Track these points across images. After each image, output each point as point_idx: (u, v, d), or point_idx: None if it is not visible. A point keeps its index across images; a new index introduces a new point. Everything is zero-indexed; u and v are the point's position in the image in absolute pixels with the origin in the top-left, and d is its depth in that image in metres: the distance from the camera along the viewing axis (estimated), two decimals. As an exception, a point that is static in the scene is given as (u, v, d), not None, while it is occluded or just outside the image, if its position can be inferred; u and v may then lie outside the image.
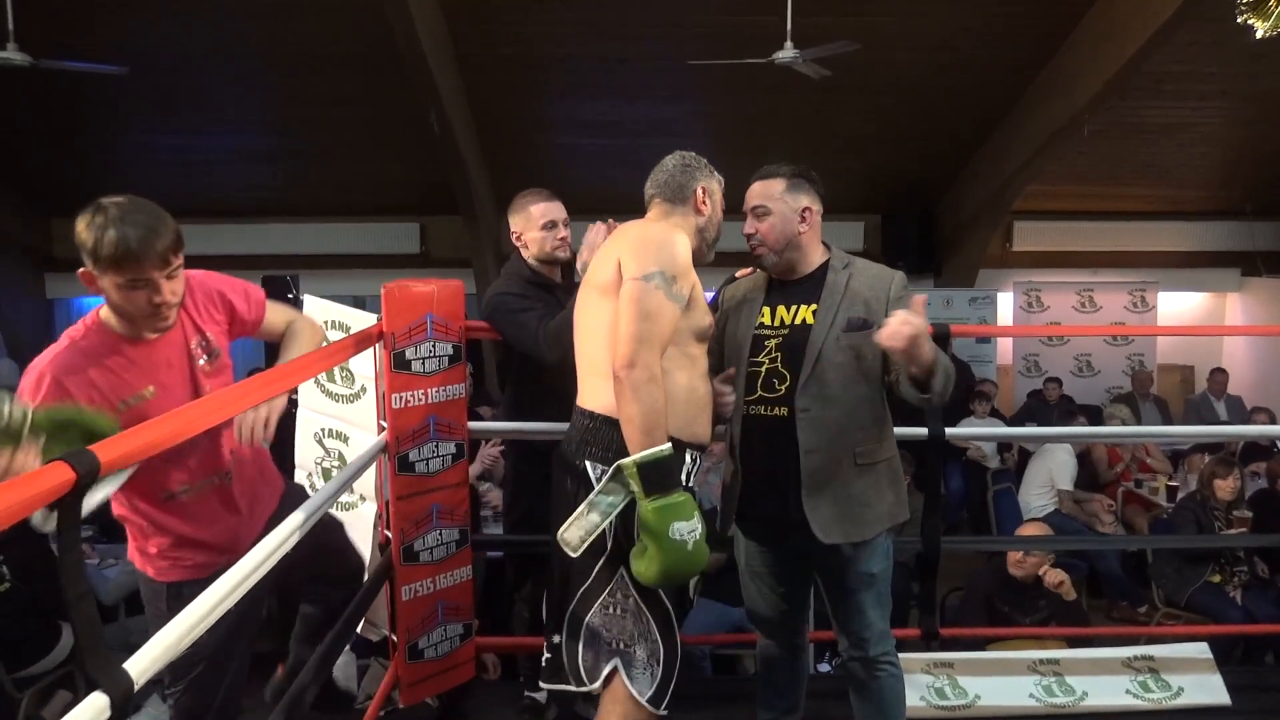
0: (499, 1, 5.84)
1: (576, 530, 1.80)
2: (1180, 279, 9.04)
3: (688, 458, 1.89)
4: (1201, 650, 2.93)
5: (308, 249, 8.40)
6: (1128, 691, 2.81)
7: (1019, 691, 2.79)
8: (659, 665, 1.86)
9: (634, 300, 1.79)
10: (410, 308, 2.40)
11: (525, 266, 2.69)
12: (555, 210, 2.67)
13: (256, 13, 5.88)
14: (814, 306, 2.08)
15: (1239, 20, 4.45)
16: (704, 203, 2.02)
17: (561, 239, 2.67)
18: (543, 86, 6.80)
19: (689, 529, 1.72)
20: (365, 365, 2.52)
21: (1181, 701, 2.80)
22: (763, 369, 2.09)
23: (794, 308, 2.11)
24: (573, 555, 1.81)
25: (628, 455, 1.75)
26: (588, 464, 1.86)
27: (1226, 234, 8.89)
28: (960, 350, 8.07)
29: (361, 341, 2.29)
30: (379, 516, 2.58)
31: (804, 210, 2.10)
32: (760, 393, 2.08)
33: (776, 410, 2.06)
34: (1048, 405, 7.49)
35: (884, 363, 2.06)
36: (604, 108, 7.05)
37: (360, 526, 2.59)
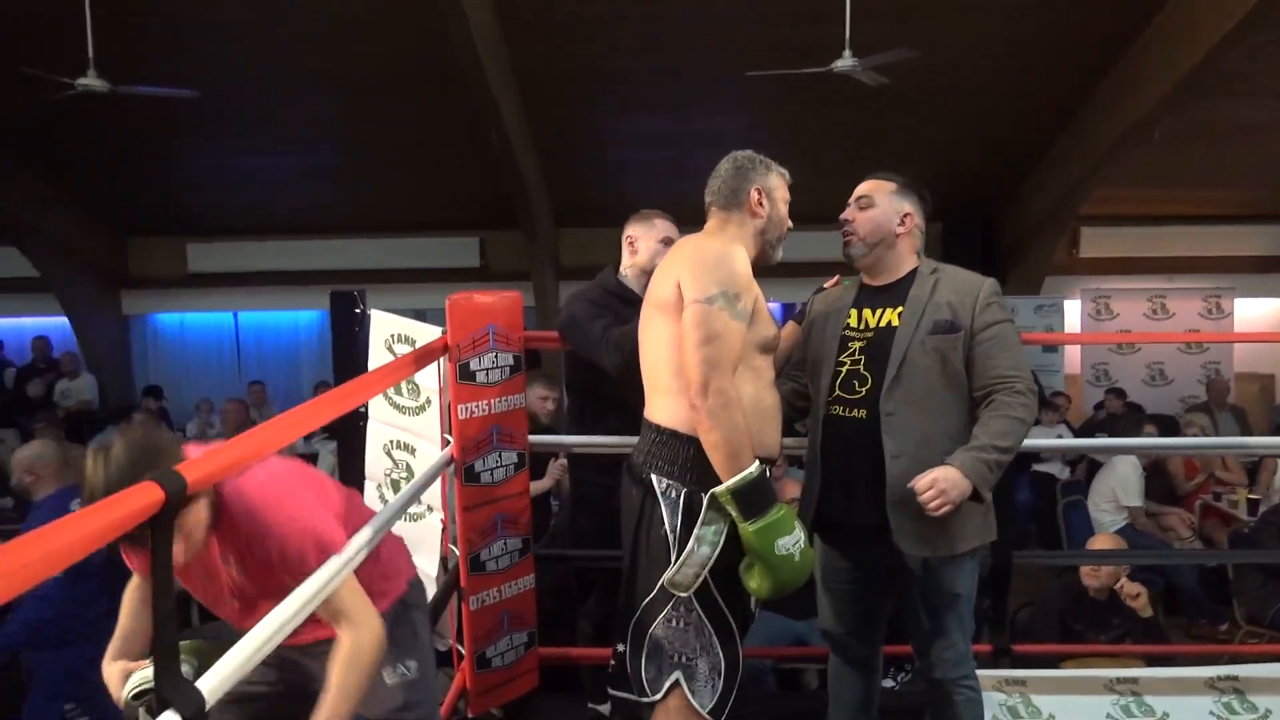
0: (557, 19, 5.91)
1: (688, 569, 1.81)
2: (1257, 284, 8.74)
3: (766, 471, 1.87)
4: (1291, 670, 2.81)
5: (372, 264, 8.61)
6: (1211, 713, 2.70)
7: (1096, 711, 2.70)
8: (720, 678, 1.86)
9: (699, 324, 1.78)
10: (474, 319, 2.43)
11: (613, 278, 2.70)
12: (673, 229, 2.70)
13: (320, 36, 6.05)
14: (900, 309, 2.06)
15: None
16: (760, 204, 1.98)
17: None
18: (600, 101, 6.86)
19: (793, 542, 1.76)
20: (430, 378, 2.56)
21: (1270, 724, 2.69)
22: (844, 369, 2.07)
23: (879, 311, 2.09)
24: (683, 595, 1.82)
25: (700, 471, 1.79)
26: (653, 477, 1.87)
27: (1306, 238, 8.58)
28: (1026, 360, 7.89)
29: (428, 354, 2.32)
30: (444, 527, 2.61)
31: (905, 215, 2.10)
32: (839, 393, 2.06)
33: (855, 412, 2.03)
34: (1114, 416, 7.29)
35: (969, 373, 2.01)
36: (661, 121, 7.08)
37: (428, 537, 2.63)
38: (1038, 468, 6.32)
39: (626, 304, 2.66)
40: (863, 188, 2.15)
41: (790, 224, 2.07)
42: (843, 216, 2.14)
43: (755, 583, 1.79)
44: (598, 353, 2.50)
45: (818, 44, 5.22)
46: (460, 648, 2.56)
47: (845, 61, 5.12)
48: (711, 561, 1.80)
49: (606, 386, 2.53)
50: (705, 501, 1.80)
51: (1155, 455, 5.78)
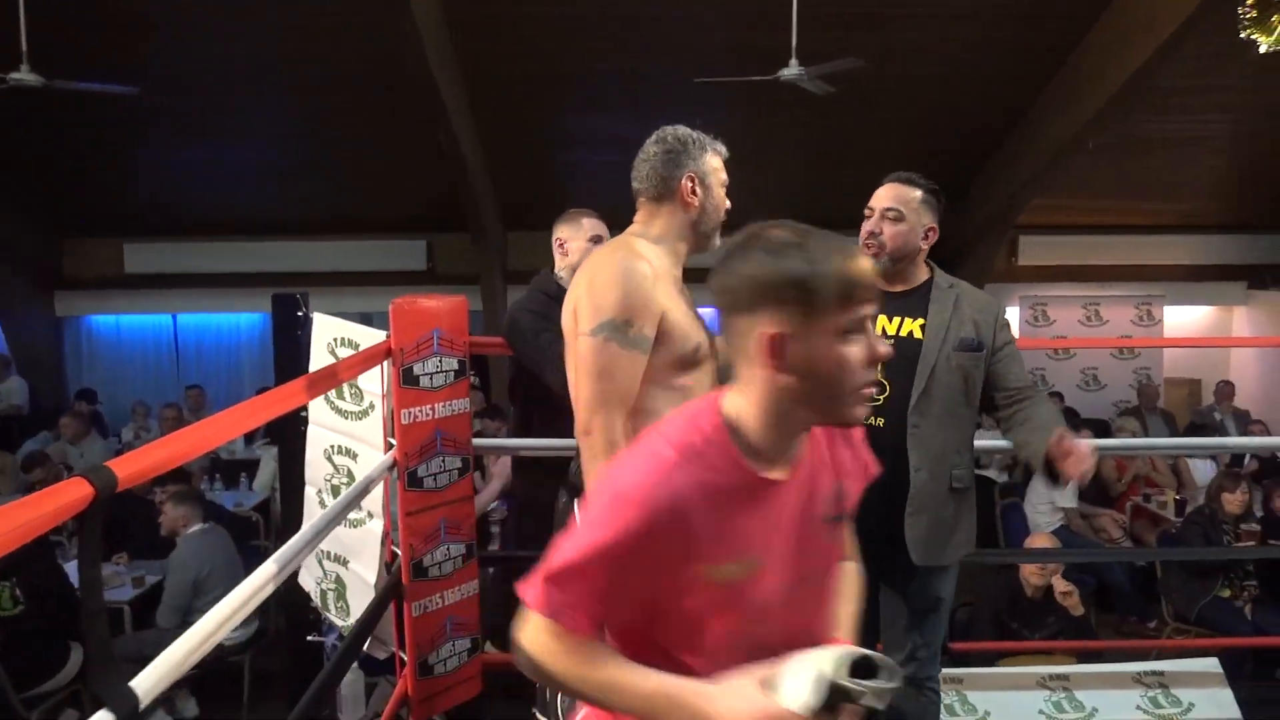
0: (504, 20, 5.89)
1: None
2: (1186, 292, 9.04)
3: None
4: (1212, 665, 2.92)
5: (316, 266, 8.47)
6: (1138, 707, 2.80)
7: (1029, 707, 2.78)
8: None
9: (584, 359, 1.70)
10: (418, 323, 2.42)
11: (553, 283, 2.71)
12: (602, 227, 2.73)
13: (266, 34, 5.95)
14: (920, 321, 2.08)
15: (1242, 35, 4.50)
16: (693, 193, 1.83)
17: None
18: (549, 103, 6.85)
19: None
20: (373, 382, 2.54)
21: (1192, 717, 2.79)
22: None
23: (897, 320, 2.11)
24: None
25: None
26: (561, 494, 1.92)
27: (1233, 247, 8.89)
28: (967, 364, 8.06)
29: (371, 358, 2.31)
30: (385, 533, 2.58)
31: (929, 230, 2.15)
32: None
33: (874, 420, 2.04)
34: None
35: (983, 390, 2.09)
36: (613, 124, 7.08)
37: (368, 544, 2.60)
38: (977, 472, 6.46)
39: None
40: (889, 197, 2.12)
41: (728, 204, 1.92)
42: (870, 228, 2.11)
43: None
44: (543, 369, 2.51)
45: (766, 52, 5.27)
46: (402, 654, 2.55)
47: (792, 70, 5.18)
48: None
49: (555, 394, 2.53)
50: None
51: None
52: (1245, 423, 7.67)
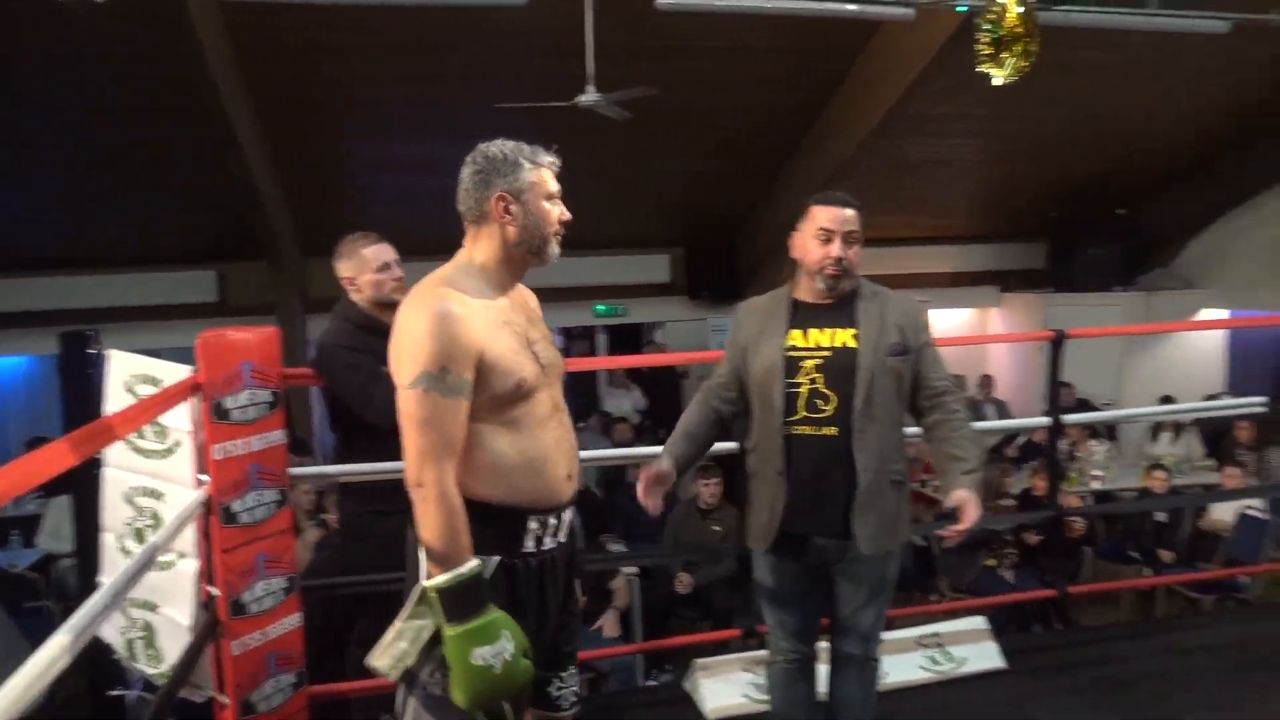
0: (291, 45, 5.75)
1: (386, 659, 1.73)
2: (949, 297, 10.00)
3: (533, 523, 1.78)
4: (980, 623, 3.32)
5: (99, 302, 7.84)
6: (921, 667, 3.13)
7: (910, 664, 3.09)
8: None
9: (406, 413, 1.67)
10: (227, 356, 2.38)
11: (357, 311, 2.68)
12: (387, 252, 2.67)
13: (42, 61, 5.52)
14: (853, 331, 2.20)
15: (979, 69, 5.11)
16: (506, 213, 1.77)
17: (398, 279, 2.66)
18: (348, 129, 6.74)
19: (493, 653, 1.62)
20: (179, 419, 2.46)
21: (966, 670, 3.16)
22: (803, 389, 2.17)
23: (829, 331, 2.21)
24: (389, 677, 1.75)
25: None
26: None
27: (986, 256, 9.97)
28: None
29: (177, 394, 2.25)
30: (200, 573, 2.51)
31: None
32: (804, 413, 2.17)
33: (825, 430, 2.16)
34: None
35: (914, 389, 2.24)
36: (414, 149, 7.05)
37: (182, 586, 2.52)
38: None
39: (379, 335, 2.66)
40: (851, 220, 2.21)
41: (564, 216, 1.85)
42: (836, 253, 2.19)
43: (452, 689, 1.65)
44: (364, 408, 2.50)
45: (564, 78, 5.44)
46: (221, 698, 2.48)
47: (589, 96, 5.38)
48: (411, 659, 1.71)
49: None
50: (414, 595, 1.69)
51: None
52: (1005, 410, 8.61)
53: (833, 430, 2.16)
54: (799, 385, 2.17)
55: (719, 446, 2.55)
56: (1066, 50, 5.75)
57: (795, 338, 2.22)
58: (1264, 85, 7.18)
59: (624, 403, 8.71)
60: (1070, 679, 3.20)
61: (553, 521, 1.81)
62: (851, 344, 2.19)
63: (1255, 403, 3.97)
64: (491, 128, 6.34)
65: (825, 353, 2.19)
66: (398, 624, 1.72)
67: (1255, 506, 5.76)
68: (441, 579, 1.63)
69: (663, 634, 4.86)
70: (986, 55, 5.05)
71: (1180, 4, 5.17)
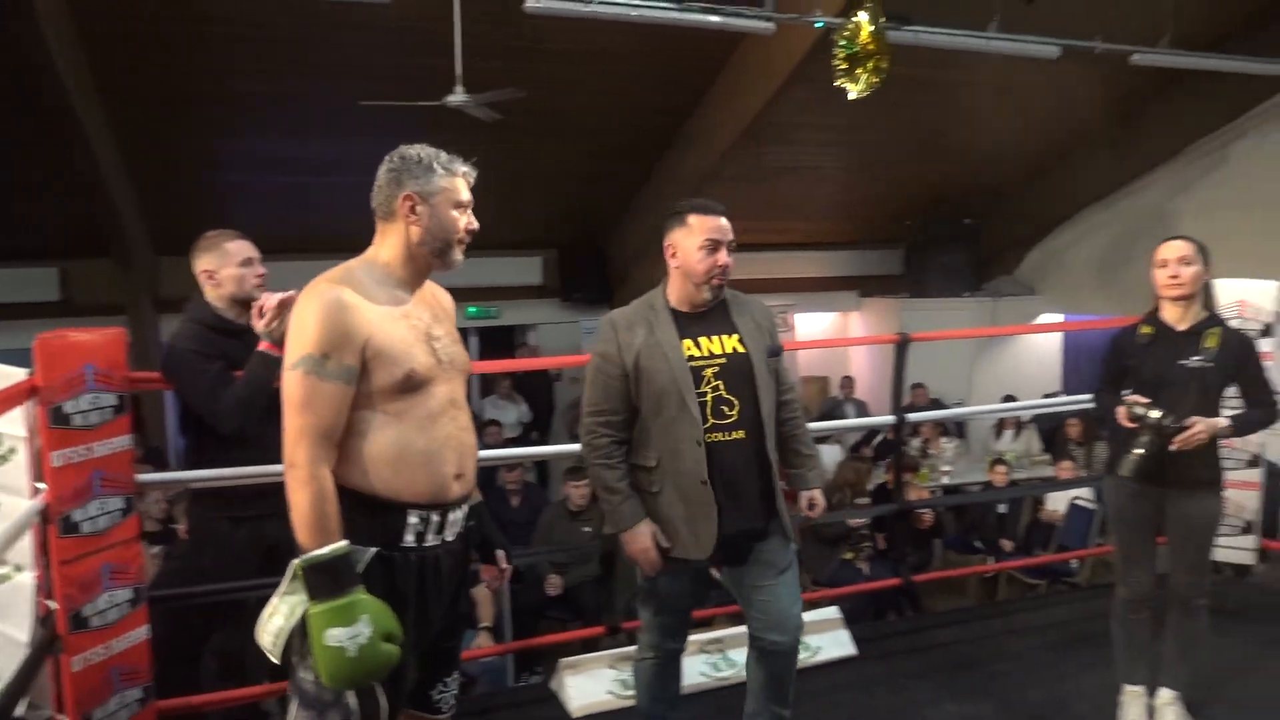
0: (145, 38, 5.48)
1: (267, 636, 1.74)
2: (813, 301, 10.41)
3: (414, 517, 1.77)
4: (833, 613, 3.48)
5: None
6: (702, 674, 3.18)
7: (692, 670, 3.16)
8: None
9: (287, 394, 1.70)
10: (67, 358, 2.27)
11: (209, 312, 2.62)
12: (250, 248, 2.63)
13: None
14: (736, 336, 2.28)
15: (835, 84, 5.36)
16: (413, 213, 1.81)
17: (260, 276, 2.63)
18: (205, 124, 6.46)
19: (348, 634, 1.62)
20: (13, 424, 2.34)
21: (820, 658, 3.31)
22: (708, 398, 2.22)
23: (715, 338, 2.28)
24: (272, 659, 1.74)
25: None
26: None
27: (847, 262, 10.41)
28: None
29: (10, 399, 2.14)
30: (37, 586, 2.38)
31: None
32: (713, 420, 2.22)
33: (735, 434, 2.23)
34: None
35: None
36: (274, 145, 6.83)
37: (17, 600, 2.38)
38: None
39: (231, 336, 2.60)
40: (729, 229, 2.26)
41: (470, 225, 1.91)
42: (724, 261, 2.24)
43: (314, 665, 1.67)
44: (210, 414, 2.46)
45: (433, 77, 5.39)
46: (60, 717, 2.36)
47: (458, 96, 5.35)
48: (286, 635, 1.71)
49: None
50: (289, 573, 1.70)
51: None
52: (864, 410, 9.01)
53: (741, 434, 2.24)
54: (705, 394, 2.23)
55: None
56: (916, 68, 6.11)
57: (689, 347, 2.25)
58: (1091, 106, 7.80)
59: (510, 414, 8.62)
60: (916, 662, 3.40)
61: (435, 518, 1.80)
62: (741, 349, 2.27)
63: (1084, 400, 4.30)
64: (355, 126, 6.25)
65: (721, 360, 2.25)
66: (274, 599, 1.73)
67: (1084, 497, 6.23)
68: (310, 555, 1.64)
69: (533, 635, 4.87)
70: (842, 70, 5.32)
71: (1017, 30, 5.57)
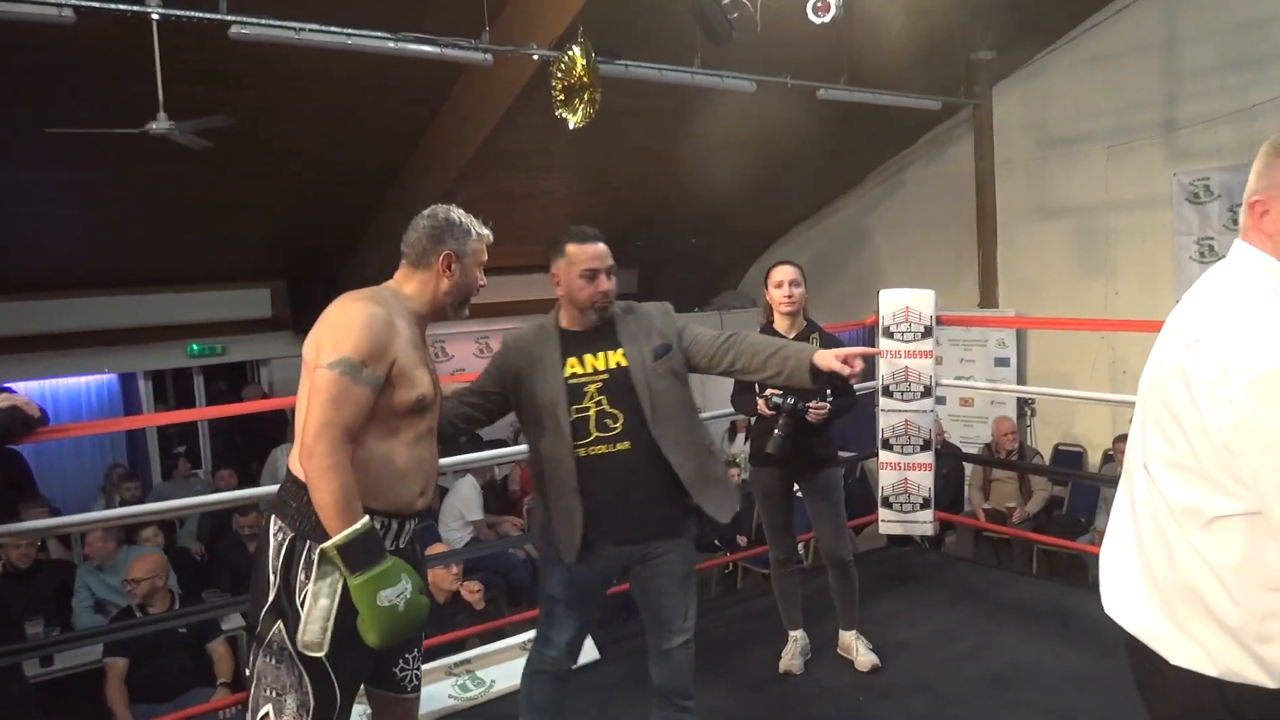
0: None
1: (313, 626, 1.88)
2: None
3: (376, 523, 1.92)
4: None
5: None
6: (451, 696, 3.26)
7: (440, 693, 3.19)
8: (308, 715, 1.91)
9: (318, 389, 1.85)
10: None
11: None
12: None
13: None
14: (621, 350, 2.36)
15: (556, 114, 5.60)
16: (447, 270, 2.07)
17: None
18: None
19: (396, 593, 1.84)
20: None
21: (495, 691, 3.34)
22: (590, 413, 2.31)
23: (600, 354, 2.39)
24: (320, 655, 1.88)
25: (309, 521, 1.88)
26: (273, 518, 1.94)
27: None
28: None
29: None
30: None
31: None
32: (596, 434, 2.33)
33: (620, 445, 2.34)
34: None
35: (695, 366, 2.46)
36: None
37: None
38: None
39: None
40: (606, 254, 2.40)
41: (483, 283, 2.17)
42: (604, 288, 2.37)
43: (364, 633, 1.86)
44: None
45: (133, 103, 5.03)
46: None
47: (162, 124, 5.02)
48: (334, 612, 1.88)
49: None
50: (317, 557, 1.87)
51: (490, 475, 6.79)
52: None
53: (626, 445, 2.35)
54: (587, 409, 2.36)
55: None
56: (631, 98, 6.50)
57: (573, 365, 2.40)
58: (792, 135, 8.60)
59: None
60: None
61: (394, 525, 2.01)
62: (623, 362, 2.40)
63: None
64: (42, 153, 5.77)
65: (604, 375, 2.39)
66: (310, 588, 1.88)
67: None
68: (339, 537, 1.81)
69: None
70: (560, 101, 5.58)
71: (718, 66, 6.08)
